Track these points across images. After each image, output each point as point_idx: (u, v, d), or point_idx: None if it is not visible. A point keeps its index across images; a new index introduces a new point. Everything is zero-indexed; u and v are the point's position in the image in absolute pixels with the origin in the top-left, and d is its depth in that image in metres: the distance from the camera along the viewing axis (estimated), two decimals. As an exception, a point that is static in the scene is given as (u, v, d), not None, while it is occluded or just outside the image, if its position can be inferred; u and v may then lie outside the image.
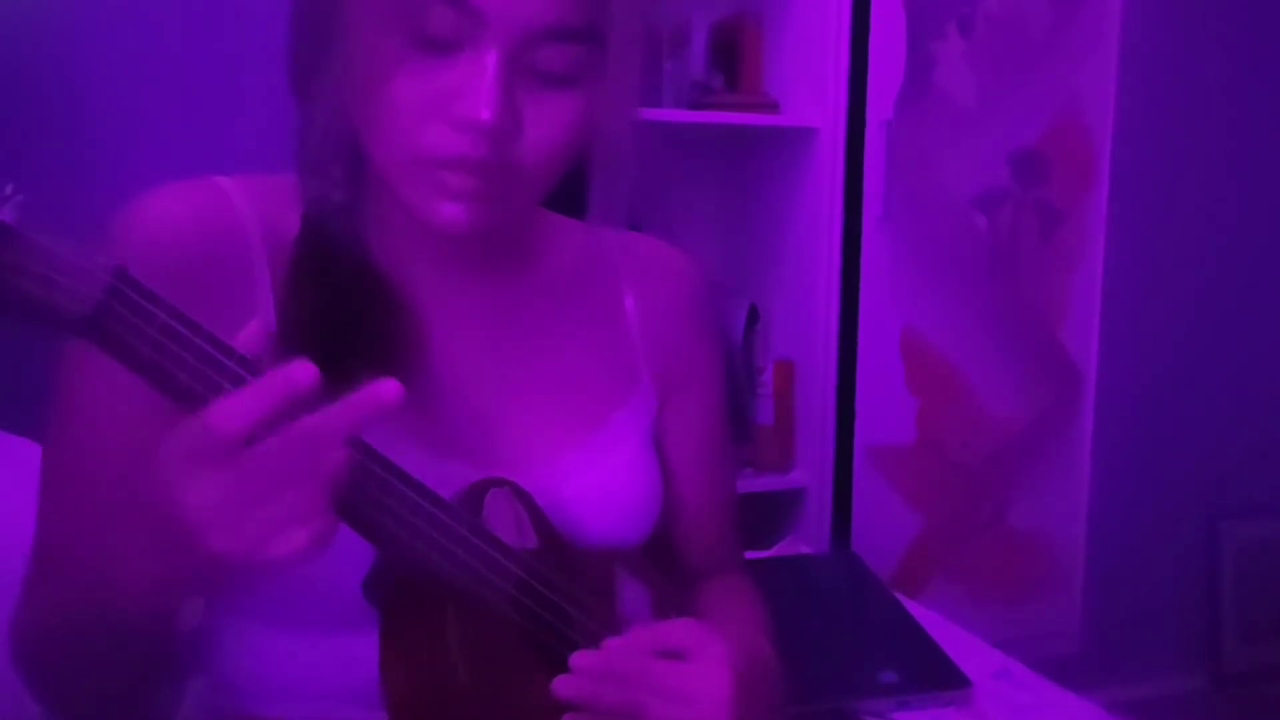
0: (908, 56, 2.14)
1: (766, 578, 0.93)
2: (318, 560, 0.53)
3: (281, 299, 0.67)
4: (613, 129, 0.66)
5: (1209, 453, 2.58)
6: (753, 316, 2.12)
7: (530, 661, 0.66)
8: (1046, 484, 2.38)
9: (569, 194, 0.70)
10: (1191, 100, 2.47)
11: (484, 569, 0.62)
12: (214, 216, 0.68)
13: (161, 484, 0.49)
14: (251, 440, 0.48)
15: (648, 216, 0.83)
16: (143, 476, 0.51)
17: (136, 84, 1.74)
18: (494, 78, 0.60)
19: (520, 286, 0.78)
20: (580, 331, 0.80)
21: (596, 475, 0.75)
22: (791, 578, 1.30)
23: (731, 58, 2.14)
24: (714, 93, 2.10)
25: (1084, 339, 2.36)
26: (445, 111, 0.61)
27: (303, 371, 0.49)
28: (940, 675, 1.06)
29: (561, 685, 0.63)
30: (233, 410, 0.48)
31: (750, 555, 1.02)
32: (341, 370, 0.50)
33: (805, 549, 1.48)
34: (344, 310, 0.67)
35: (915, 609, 1.20)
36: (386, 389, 0.50)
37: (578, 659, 0.63)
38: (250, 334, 0.52)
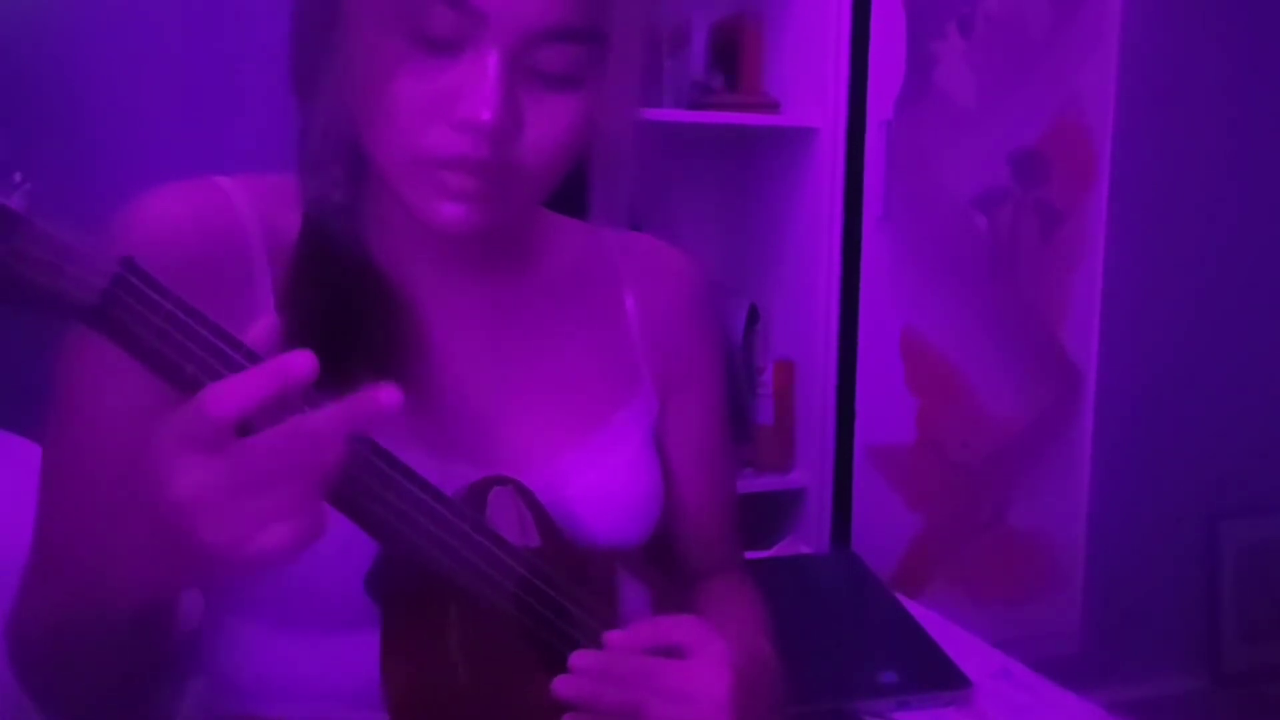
0: (908, 56, 2.14)
1: (766, 578, 0.93)
2: (316, 560, 0.53)
3: (282, 299, 0.67)
4: (613, 129, 0.66)
5: (1209, 453, 2.58)
6: (753, 316, 2.12)
7: (531, 660, 0.66)
8: (1046, 484, 2.38)
9: (569, 194, 0.70)
10: (1191, 100, 2.47)
11: (486, 566, 0.62)
12: (214, 216, 0.68)
13: (152, 469, 0.49)
14: (245, 430, 0.48)
15: (648, 216, 0.84)
16: (138, 466, 0.51)
17: (136, 84, 1.74)
18: (495, 78, 0.60)
19: (521, 286, 0.78)
20: (581, 331, 0.80)
21: (597, 475, 0.75)
22: (791, 578, 1.30)
23: (731, 58, 2.14)
24: (714, 93, 2.10)
25: (1084, 339, 2.36)
26: (446, 112, 0.61)
27: (300, 360, 0.49)
28: (940, 675, 1.06)
29: (561, 685, 0.63)
30: (226, 393, 0.48)
31: (750, 555, 1.02)
32: (342, 370, 0.50)
33: (805, 549, 1.48)
34: (344, 310, 0.67)
35: (915, 609, 1.20)
36: (385, 395, 0.50)
37: (578, 658, 0.63)
38: (261, 329, 0.51)
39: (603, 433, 0.77)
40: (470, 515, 0.62)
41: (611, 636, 0.66)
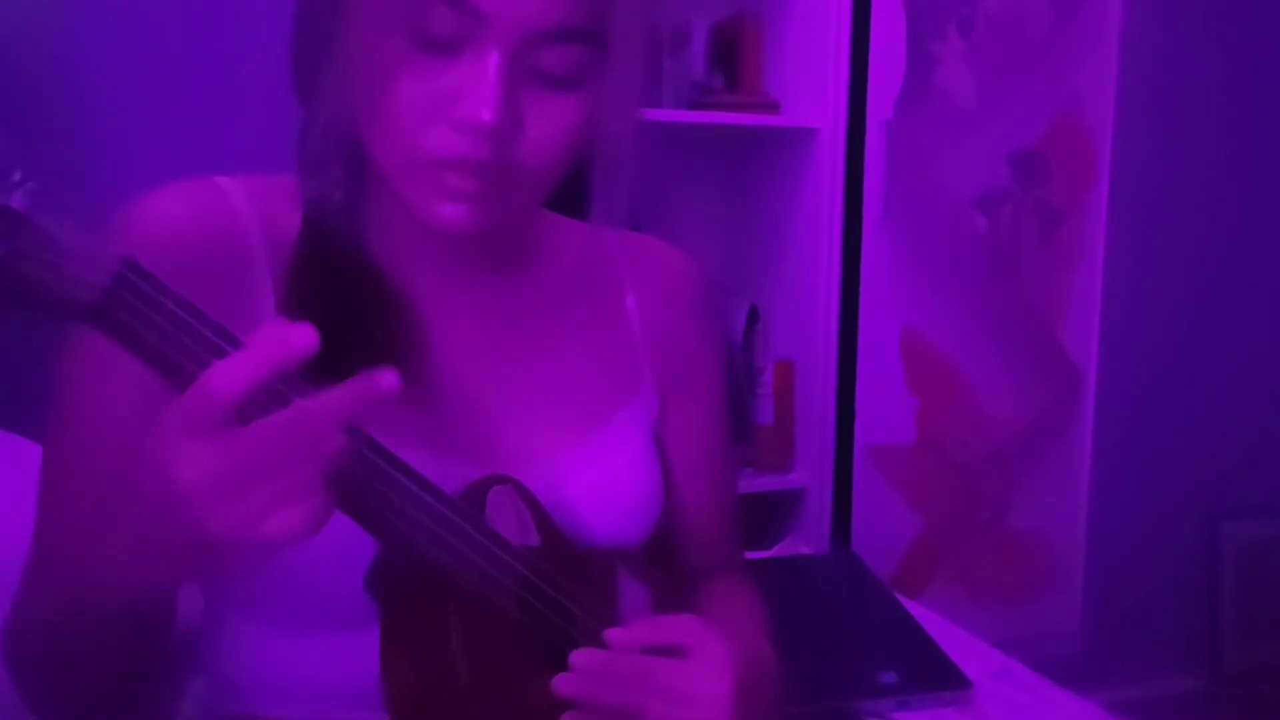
0: (908, 56, 2.14)
1: (766, 578, 0.93)
2: (316, 559, 0.53)
3: (282, 299, 0.67)
4: (614, 130, 0.66)
5: (1209, 453, 2.58)
6: (753, 316, 2.12)
7: (531, 659, 0.66)
8: (1046, 484, 2.38)
9: (570, 194, 0.70)
10: (1191, 100, 2.47)
11: (485, 564, 0.62)
12: (215, 217, 0.68)
13: (157, 460, 0.49)
14: (248, 417, 0.48)
15: (648, 216, 0.84)
16: (139, 460, 0.51)
17: (136, 84, 1.74)
18: (495, 79, 0.60)
19: (521, 287, 0.78)
20: (581, 331, 0.80)
21: (598, 475, 0.75)
22: (791, 578, 1.30)
23: (731, 58, 2.14)
24: (714, 93, 2.10)
25: (1084, 339, 2.36)
26: (447, 112, 0.61)
27: (299, 333, 0.49)
28: (940, 675, 1.06)
29: (562, 683, 0.63)
30: (230, 371, 0.48)
31: (750, 555, 1.02)
32: (342, 370, 0.50)
33: (805, 549, 1.48)
34: (345, 310, 0.67)
35: (915, 609, 1.20)
36: (384, 378, 0.50)
37: (578, 657, 0.64)
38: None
39: (603, 432, 0.77)
40: (470, 514, 0.62)
41: (612, 634, 0.66)
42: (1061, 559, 2.42)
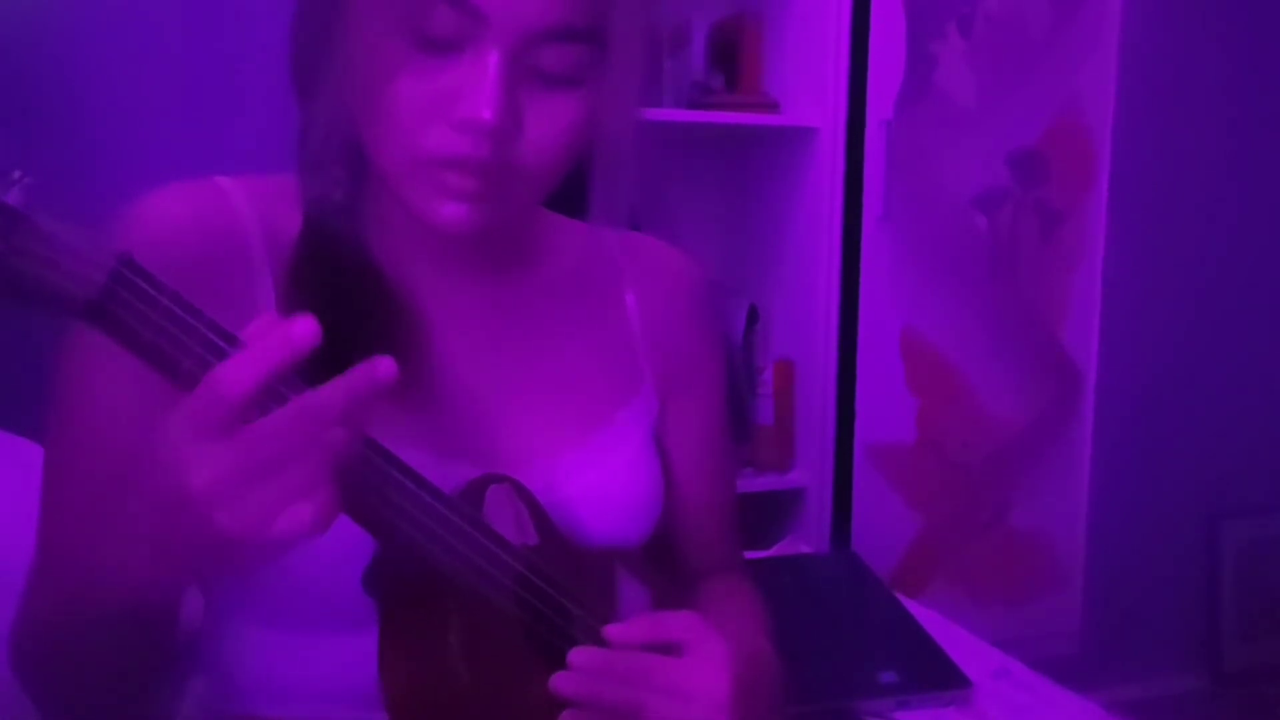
0: (908, 56, 2.14)
1: (766, 578, 0.93)
2: (315, 559, 0.53)
3: (282, 299, 0.68)
4: (614, 129, 0.66)
5: (1209, 453, 2.58)
6: (753, 316, 2.12)
7: (530, 658, 0.66)
8: (1046, 484, 2.38)
9: (570, 194, 0.70)
10: (1191, 100, 2.47)
11: (483, 562, 0.62)
12: (215, 217, 0.68)
13: (165, 463, 0.49)
14: (249, 417, 0.48)
15: (648, 216, 0.84)
16: (144, 463, 0.51)
17: (136, 84, 1.74)
18: (495, 78, 0.60)
19: (521, 286, 0.78)
20: (581, 331, 0.80)
21: (597, 475, 0.75)
22: (791, 578, 1.30)
23: (731, 58, 2.14)
24: (714, 93, 2.11)
25: (1084, 339, 2.36)
26: (447, 112, 0.61)
27: (301, 326, 0.49)
28: (940, 675, 1.06)
29: (560, 681, 0.63)
30: (237, 370, 0.48)
31: (750, 555, 1.02)
32: (343, 371, 0.50)
33: (805, 549, 1.48)
34: (345, 310, 0.67)
35: (915, 609, 1.20)
36: (381, 366, 0.50)
37: (576, 655, 0.63)
38: (259, 327, 0.51)
39: (603, 432, 0.77)
40: (467, 512, 0.62)
41: (611, 630, 0.66)
42: (1061, 559, 2.42)
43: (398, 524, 0.57)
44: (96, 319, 0.49)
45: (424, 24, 0.60)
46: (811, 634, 1.14)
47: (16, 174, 0.47)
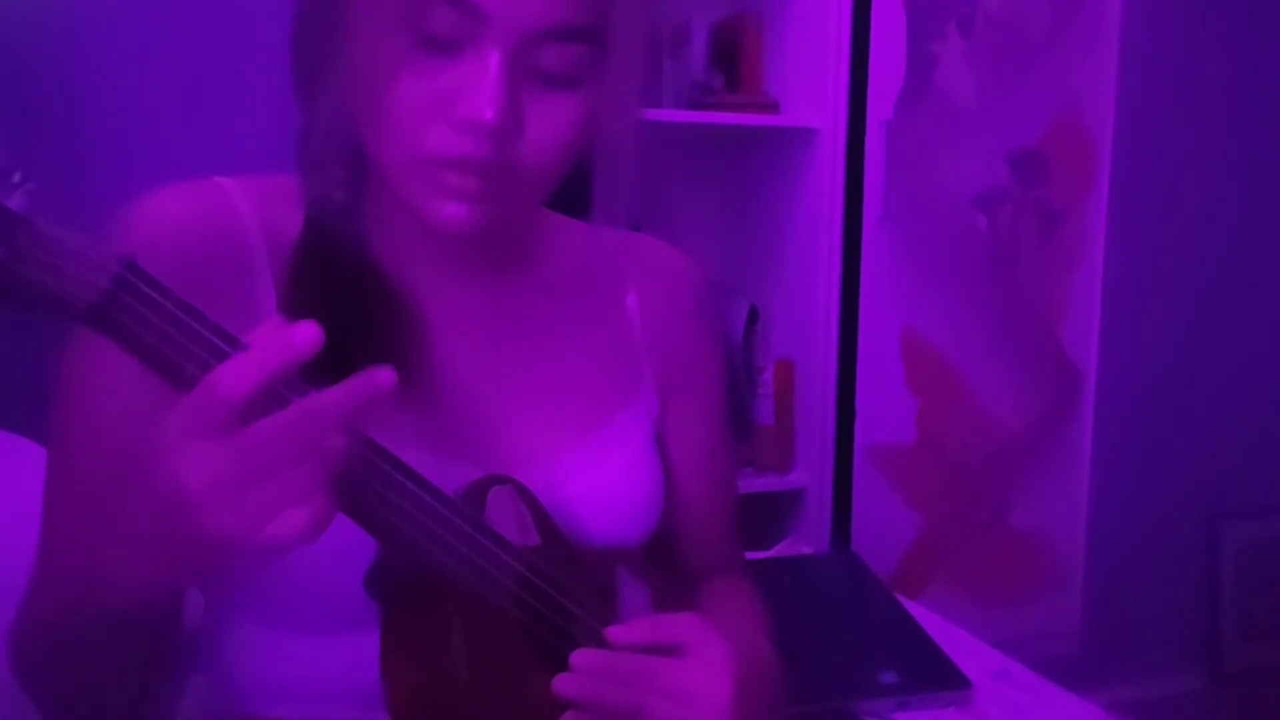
0: (908, 56, 2.14)
1: (766, 578, 0.93)
2: (315, 560, 0.53)
3: (283, 299, 0.67)
4: (615, 129, 0.66)
5: (1209, 453, 2.58)
6: (753, 316, 2.12)
7: (531, 659, 0.66)
8: (1046, 484, 2.38)
9: (570, 194, 0.70)
10: (1191, 100, 2.47)
11: (486, 564, 0.62)
12: (215, 217, 0.68)
13: (161, 462, 0.49)
14: (248, 419, 0.48)
15: (648, 216, 0.83)
16: (143, 462, 0.51)
17: (137, 84, 1.74)
18: (496, 78, 0.60)
19: (522, 286, 0.78)
20: (582, 331, 0.80)
21: (598, 475, 0.75)
22: (791, 578, 1.30)
23: (731, 58, 2.14)
24: (714, 93, 2.11)
25: (1084, 339, 2.36)
26: (448, 112, 0.61)
27: (303, 332, 0.49)
28: (940, 675, 1.06)
29: (562, 684, 0.63)
30: (236, 373, 0.48)
31: (750, 555, 1.02)
32: (343, 371, 0.50)
33: (805, 549, 1.48)
34: (346, 310, 0.67)
35: (915, 609, 1.20)
36: (381, 376, 0.50)
37: (578, 657, 0.63)
38: (265, 334, 0.51)
39: (604, 433, 0.77)
40: (469, 513, 0.62)
41: (612, 632, 0.66)
42: (1061, 559, 2.42)
43: (399, 525, 0.57)
44: (99, 324, 0.49)
45: (425, 24, 0.60)
46: (811, 634, 1.14)
47: (17, 177, 0.46)
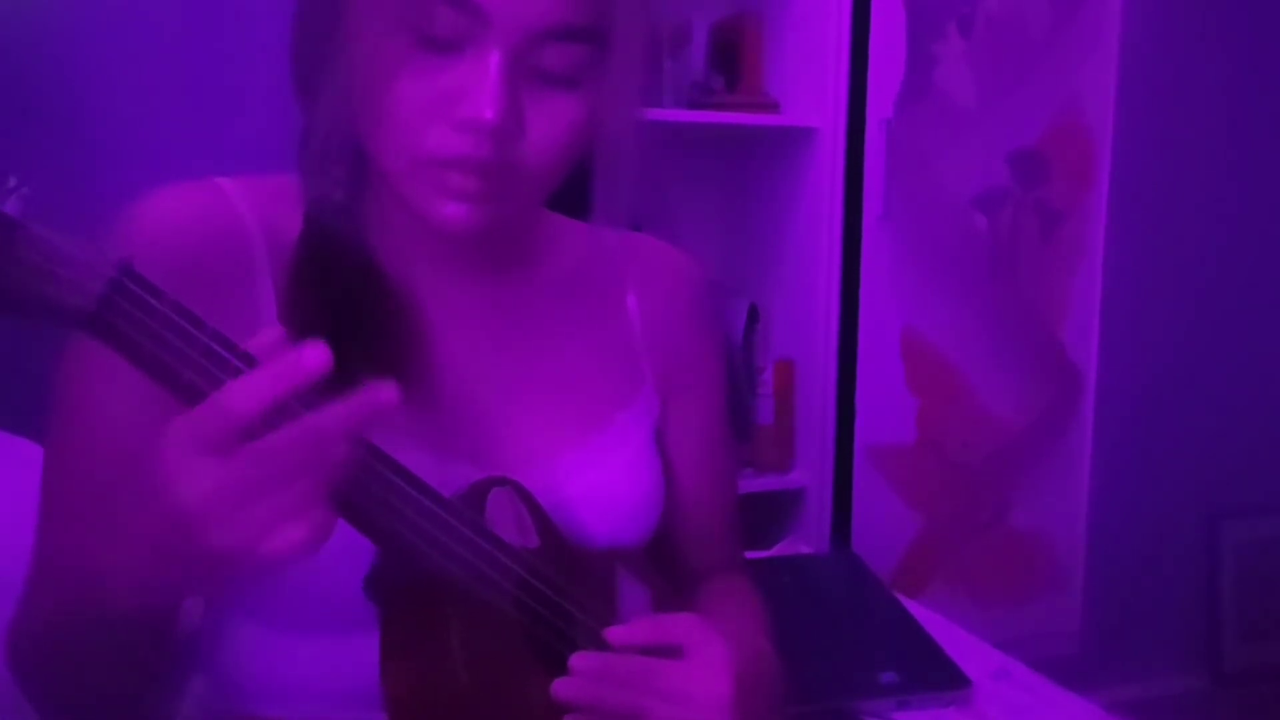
0: (908, 56, 2.14)
1: (766, 578, 0.93)
2: (315, 561, 0.53)
3: (283, 300, 0.67)
4: (615, 129, 0.66)
5: (1209, 453, 2.58)
6: (753, 316, 2.12)
7: (530, 661, 0.66)
8: (1046, 484, 2.38)
9: (571, 194, 0.70)
10: (1191, 100, 2.47)
11: (485, 567, 0.62)
12: (215, 218, 0.68)
13: (161, 475, 0.49)
14: (251, 435, 0.48)
15: (649, 216, 0.83)
16: (142, 472, 0.51)
17: (137, 84, 1.74)
18: (497, 78, 0.60)
19: (522, 287, 0.78)
20: (582, 332, 0.80)
21: (598, 476, 0.75)
22: (791, 578, 1.30)
23: (731, 58, 2.14)
24: (714, 93, 2.10)
25: (1084, 339, 2.36)
26: (448, 111, 0.61)
27: (314, 354, 0.49)
28: (940, 675, 1.06)
29: (561, 687, 0.63)
30: (247, 390, 0.48)
31: (750, 555, 1.02)
32: (344, 371, 0.50)
33: (805, 549, 1.48)
34: (346, 310, 0.67)
35: (915, 609, 1.20)
36: (384, 392, 0.50)
37: (577, 660, 0.63)
38: (264, 341, 0.51)
39: (604, 433, 0.77)
40: (469, 516, 0.62)
41: (611, 632, 0.66)
42: (1061, 559, 2.42)
43: (398, 528, 0.57)
44: (95, 329, 0.49)
45: (425, 24, 0.60)
46: (811, 634, 1.14)
47: (13, 182, 0.46)
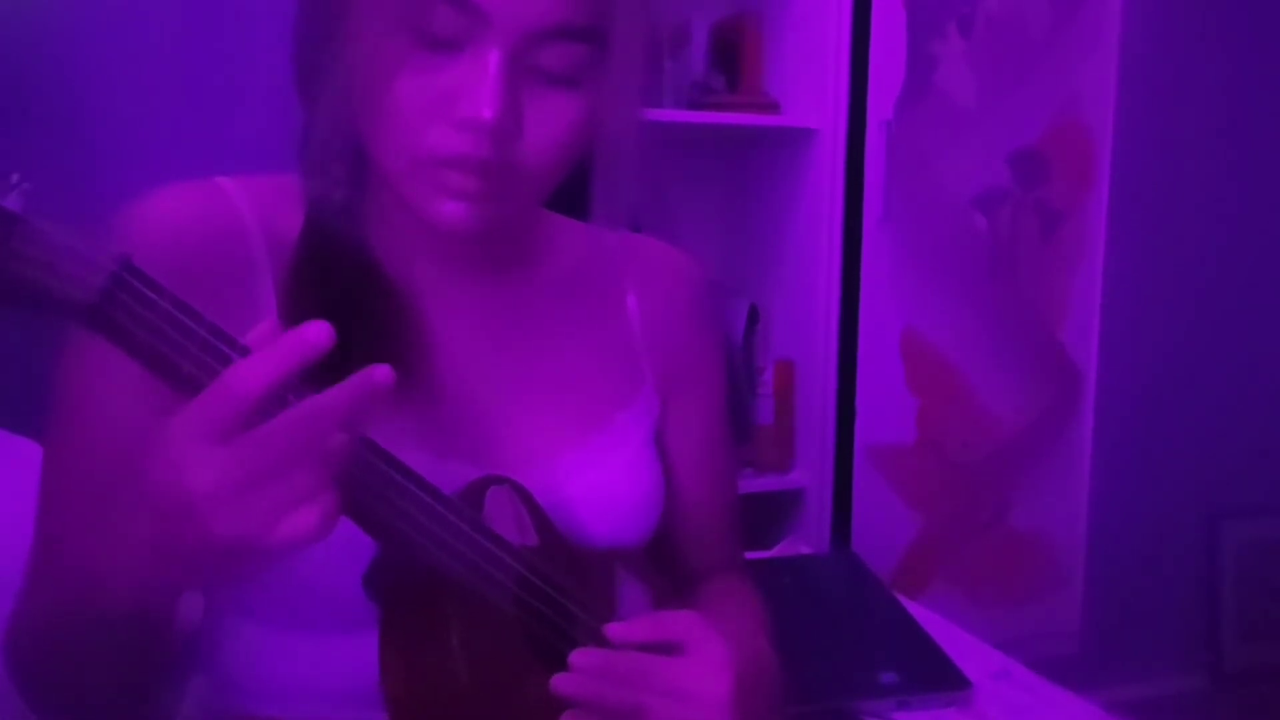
0: (908, 56, 2.14)
1: (766, 578, 0.93)
2: (315, 560, 0.53)
3: (284, 299, 0.67)
4: (615, 129, 0.66)
5: (1209, 453, 2.58)
6: (753, 316, 2.12)
7: (530, 659, 0.66)
8: (1046, 484, 2.38)
9: (571, 194, 0.70)
10: (1191, 100, 2.47)
11: (484, 564, 0.62)
12: (216, 217, 0.68)
13: (166, 465, 0.49)
14: (255, 421, 0.48)
15: (649, 216, 0.83)
16: (141, 469, 0.51)
17: (137, 84, 1.74)
18: (496, 77, 0.60)
19: (522, 286, 0.78)
20: (582, 332, 0.80)
21: (598, 475, 0.75)
22: (791, 578, 1.30)
23: (731, 58, 2.14)
24: (714, 93, 2.11)
25: (1084, 339, 2.36)
26: (448, 111, 0.61)
27: (316, 330, 0.49)
28: (940, 676, 1.06)
29: (561, 683, 0.63)
30: (251, 371, 0.48)
31: (750, 555, 1.02)
32: (344, 370, 0.50)
33: (805, 549, 1.48)
34: (346, 310, 0.67)
35: (915, 609, 1.20)
36: (379, 372, 0.50)
37: (577, 657, 0.63)
38: (262, 332, 0.51)
39: (604, 433, 0.77)
40: (468, 514, 0.62)
41: (611, 629, 0.66)
42: (1061, 559, 2.42)
43: (398, 526, 0.57)
44: (95, 323, 0.49)
45: (425, 23, 0.60)
46: (811, 634, 1.14)
47: (15, 177, 0.47)
